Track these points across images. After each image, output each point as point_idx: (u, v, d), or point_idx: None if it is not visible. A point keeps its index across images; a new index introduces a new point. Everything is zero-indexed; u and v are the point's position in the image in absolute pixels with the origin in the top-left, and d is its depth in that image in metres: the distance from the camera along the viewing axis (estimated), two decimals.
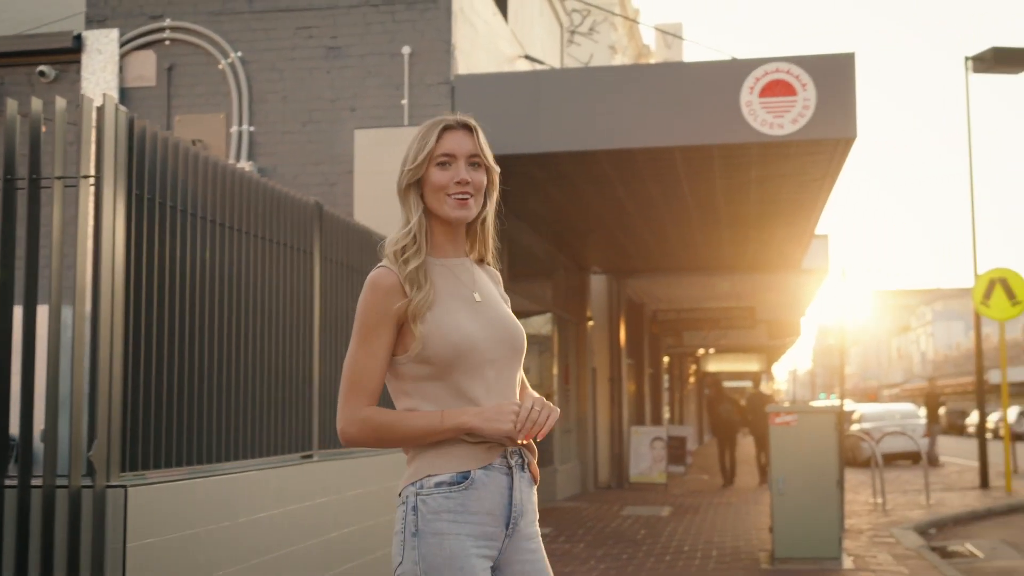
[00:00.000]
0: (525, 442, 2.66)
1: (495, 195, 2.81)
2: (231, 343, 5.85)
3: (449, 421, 2.59)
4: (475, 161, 2.71)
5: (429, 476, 2.61)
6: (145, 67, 10.55)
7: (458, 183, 2.67)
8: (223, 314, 5.76)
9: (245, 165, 9.97)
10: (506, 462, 2.65)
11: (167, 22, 10.49)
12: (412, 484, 2.62)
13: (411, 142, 2.73)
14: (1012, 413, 51.37)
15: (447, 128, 2.72)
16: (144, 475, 4.93)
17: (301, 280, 6.87)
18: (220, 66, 10.33)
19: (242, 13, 10.40)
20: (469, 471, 2.60)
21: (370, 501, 7.62)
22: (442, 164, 2.69)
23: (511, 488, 2.65)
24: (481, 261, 2.85)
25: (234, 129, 10.23)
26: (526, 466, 2.71)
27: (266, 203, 6.40)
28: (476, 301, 2.71)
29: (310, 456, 6.87)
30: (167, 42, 10.50)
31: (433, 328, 2.61)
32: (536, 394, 2.79)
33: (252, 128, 10.23)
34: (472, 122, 2.75)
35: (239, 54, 10.31)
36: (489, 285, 2.82)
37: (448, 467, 2.61)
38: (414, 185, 2.72)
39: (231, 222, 5.91)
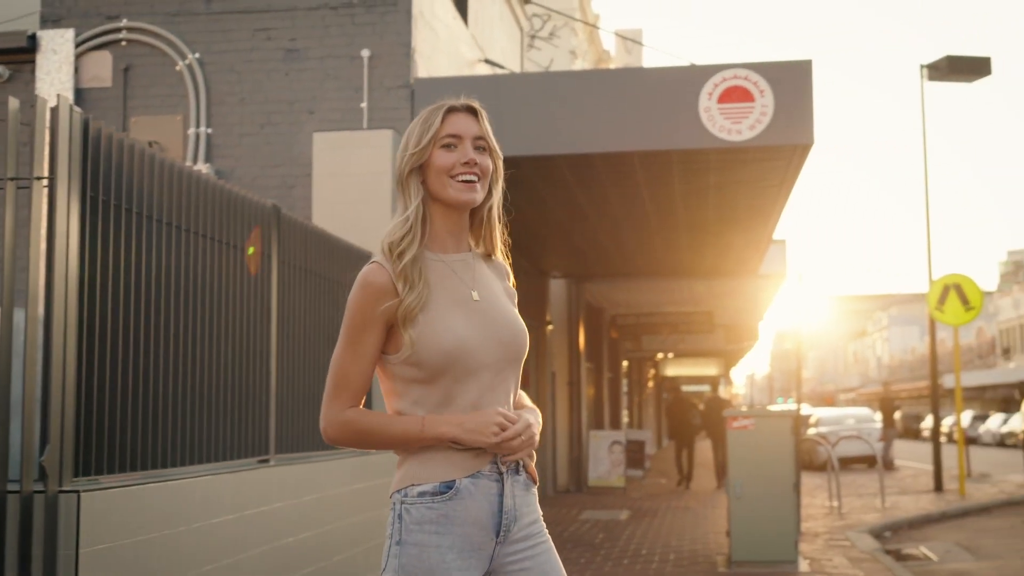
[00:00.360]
0: (511, 457, 2.55)
1: (500, 183, 2.69)
2: (186, 347, 5.79)
3: (430, 430, 2.50)
4: (481, 145, 2.61)
5: (413, 485, 2.53)
6: (101, 68, 10.44)
7: (465, 163, 2.55)
8: (179, 318, 5.71)
9: (202, 167, 9.89)
10: (496, 468, 2.54)
11: (123, 22, 10.39)
12: (398, 491, 2.56)
13: (411, 128, 2.62)
14: (966, 417, 51.98)
15: (452, 110, 2.62)
16: (97, 480, 4.87)
17: (258, 284, 6.83)
18: (177, 67, 10.25)
19: (200, 14, 10.33)
20: (454, 480, 2.50)
21: (328, 506, 7.57)
22: (447, 146, 2.57)
23: (501, 495, 2.54)
24: (490, 256, 2.72)
25: (191, 131, 10.15)
26: (522, 468, 2.61)
27: (223, 206, 6.35)
28: (474, 300, 2.58)
29: (267, 461, 6.82)
30: (123, 43, 10.40)
31: (424, 331, 2.49)
32: (529, 411, 2.67)
33: (209, 130, 10.15)
34: (477, 105, 2.66)
35: (197, 55, 10.23)
36: (492, 282, 2.68)
37: (431, 476, 2.51)
38: (416, 171, 2.59)
39: (187, 225, 5.86)
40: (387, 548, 2.54)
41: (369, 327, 2.54)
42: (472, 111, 2.64)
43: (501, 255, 2.74)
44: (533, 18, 20.66)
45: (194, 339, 5.88)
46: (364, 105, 9.96)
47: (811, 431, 27.52)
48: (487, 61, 13.47)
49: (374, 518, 8.59)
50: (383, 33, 10.07)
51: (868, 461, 26.91)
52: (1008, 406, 60.73)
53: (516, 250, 11.94)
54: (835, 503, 15.54)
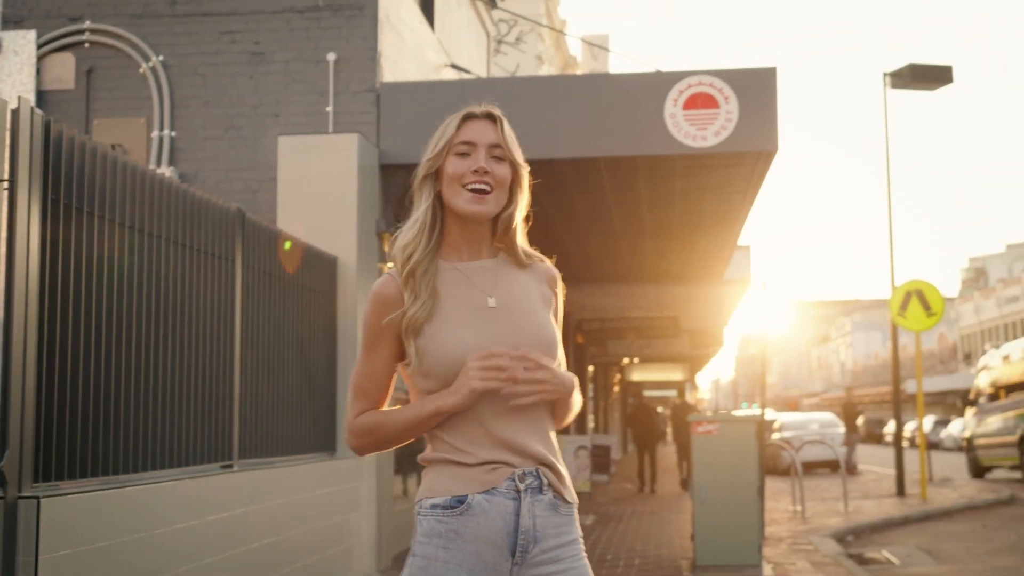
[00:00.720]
0: (517, 401, 2.41)
1: (523, 194, 2.59)
2: (149, 351, 5.75)
3: (428, 405, 2.45)
4: (498, 154, 2.52)
5: (427, 497, 2.48)
6: (63, 69, 10.34)
7: (475, 171, 2.48)
8: (141, 322, 5.67)
9: (166, 171, 9.82)
10: (514, 485, 2.44)
11: (87, 24, 10.30)
12: (418, 502, 2.52)
13: (433, 136, 2.57)
14: (928, 422, 52.46)
15: (469, 117, 2.56)
16: (57, 486, 4.83)
17: (222, 288, 6.79)
18: (141, 70, 10.17)
19: (164, 17, 10.26)
20: (466, 496, 2.43)
21: (292, 511, 7.54)
22: (461, 154, 2.51)
23: (518, 514, 2.43)
24: (523, 262, 2.61)
25: (155, 134, 10.08)
26: (546, 488, 2.48)
27: (187, 209, 6.31)
28: (489, 308, 2.50)
29: (230, 466, 6.78)
30: (86, 44, 10.31)
31: (430, 342, 2.45)
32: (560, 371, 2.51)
33: (173, 133, 10.08)
34: (497, 112, 2.57)
35: (160, 58, 10.16)
36: (520, 288, 2.57)
37: (444, 490, 2.45)
38: (430, 177, 2.54)
39: (150, 228, 5.82)
40: (408, 554, 2.52)
41: (381, 338, 2.52)
42: (492, 118, 2.56)
43: (542, 262, 2.67)
44: (500, 23, 20.68)
45: (157, 343, 5.84)
46: (330, 109, 9.92)
47: (775, 436, 27.70)
48: (453, 66, 13.46)
49: (338, 523, 8.56)
50: (349, 37, 10.04)
51: (831, 466, 27.08)
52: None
53: None
54: (799, 507, 15.63)
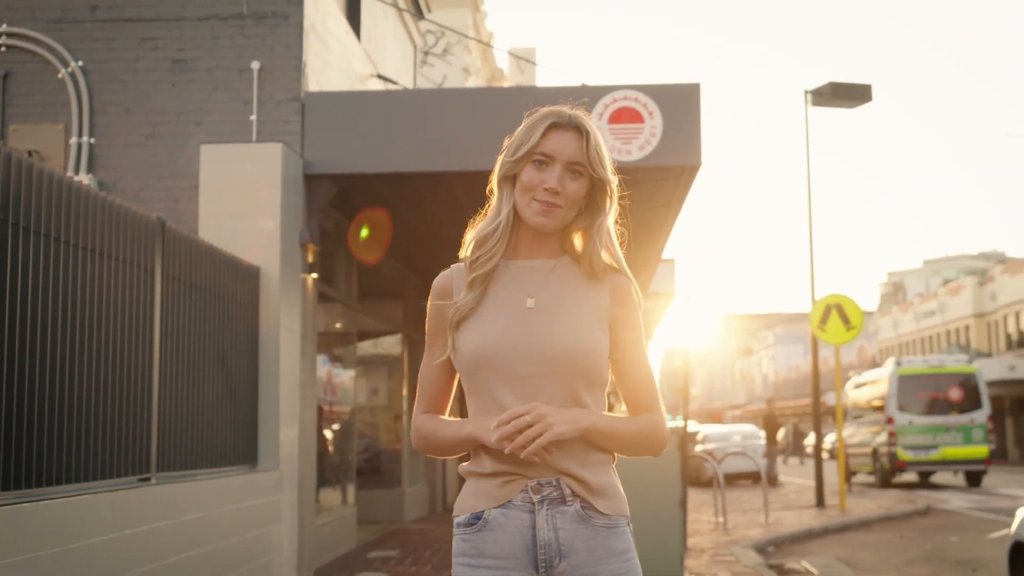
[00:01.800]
0: (526, 457, 2.34)
1: (609, 208, 2.55)
2: (64, 362, 5.63)
3: (464, 430, 2.44)
4: (576, 169, 2.47)
5: (456, 516, 2.47)
6: None
7: (547, 189, 2.44)
8: (56, 332, 5.55)
9: (84, 178, 9.64)
10: (529, 498, 2.39)
11: (3, 27, 10.07)
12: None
13: (517, 132, 2.51)
14: (847, 434, 53.28)
15: (555, 126, 2.48)
16: None
17: (141, 298, 6.68)
18: (59, 75, 9.98)
19: (83, 22, 10.07)
20: (483, 512, 2.40)
21: (211, 525, 7.43)
22: (539, 163, 2.46)
23: (534, 526, 2.38)
24: (592, 271, 2.54)
25: (73, 140, 9.88)
26: (571, 499, 2.40)
27: (105, 218, 6.20)
28: (527, 308, 2.46)
29: (147, 479, 6.67)
30: (3, 48, 10.08)
31: (461, 336, 2.46)
32: (589, 413, 2.43)
33: (92, 140, 9.90)
34: (586, 125, 2.48)
35: (80, 63, 9.98)
36: (568, 292, 2.50)
37: (465, 507, 2.45)
38: (510, 178, 2.51)
39: (67, 237, 5.71)
40: None
41: (438, 331, 2.54)
42: (578, 129, 2.48)
43: (625, 270, 2.59)
44: (427, 34, 20.67)
45: (72, 354, 5.72)
46: (253, 118, 9.82)
47: (698, 448, 27.94)
48: (380, 76, 13.41)
49: (261, 536, 8.45)
50: (274, 45, 9.95)
51: (753, 477, 27.41)
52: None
53: (408, 266, 11.80)
54: (721, 519, 15.77)
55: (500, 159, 2.54)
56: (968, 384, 25.69)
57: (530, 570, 2.38)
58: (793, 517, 16.73)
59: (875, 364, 70.24)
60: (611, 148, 9.75)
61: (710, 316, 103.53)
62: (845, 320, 18.32)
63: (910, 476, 26.98)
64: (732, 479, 27.09)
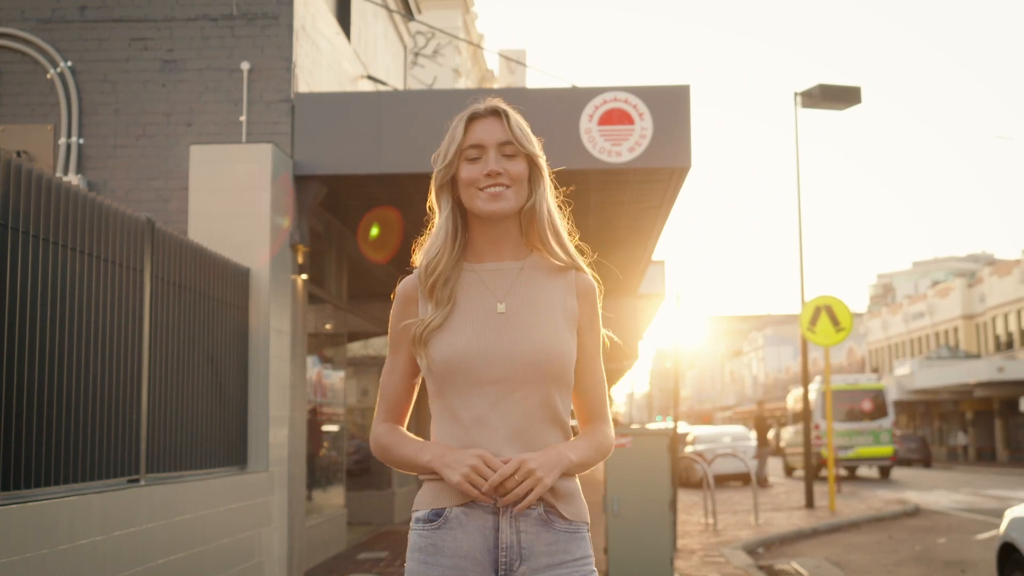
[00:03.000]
0: (517, 512, 2.35)
1: (544, 184, 2.51)
2: (53, 363, 5.62)
3: (423, 455, 2.41)
4: (509, 151, 2.45)
5: (415, 511, 2.45)
6: None
7: (488, 175, 2.42)
8: (45, 333, 5.53)
9: (73, 179, 9.62)
10: (493, 498, 2.36)
11: None
12: (412, 515, 2.49)
13: (443, 142, 2.50)
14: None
15: (474, 117, 2.47)
16: None
17: (130, 299, 6.66)
18: (49, 75, 9.95)
19: (73, 22, 10.05)
20: (444, 508, 2.38)
21: (201, 526, 7.41)
22: (472, 159, 2.45)
23: (497, 528, 2.36)
24: (558, 265, 2.52)
25: (62, 141, 9.86)
26: (538, 503, 2.38)
27: (94, 219, 6.18)
28: (497, 313, 2.43)
29: (137, 480, 6.65)
30: None
31: (431, 345, 2.42)
32: (563, 452, 2.41)
33: (82, 141, 9.88)
34: (502, 107, 2.48)
35: (69, 64, 9.95)
36: (539, 294, 2.48)
37: (424, 503, 2.42)
38: (447, 185, 2.49)
39: (56, 238, 5.69)
40: None
41: (402, 339, 2.51)
42: (497, 113, 2.48)
43: (586, 269, 2.58)
44: (417, 36, 20.67)
45: (61, 355, 5.71)
46: (243, 118, 9.80)
47: (688, 449, 27.98)
48: (370, 77, 13.41)
49: (249, 538, 8.44)
50: (264, 46, 9.93)
51: (743, 478, 27.45)
52: None
53: (398, 267, 11.79)
54: (711, 520, 15.79)
55: (433, 173, 2.52)
56: (877, 399, 32.18)
57: (488, 572, 2.36)
58: (783, 518, 16.76)
59: (864, 366, 70.41)
60: (601, 150, 9.76)
61: (700, 318, 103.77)
62: (835, 322, 18.36)
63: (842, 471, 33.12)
64: (722, 480, 27.14)
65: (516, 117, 2.49)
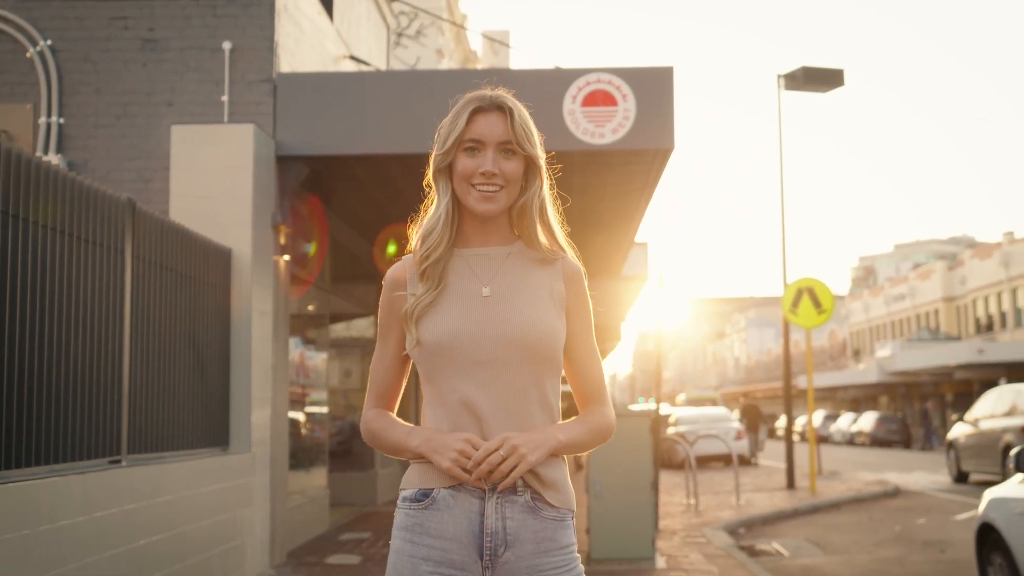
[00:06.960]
0: (502, 488, 2.36)
1: (539, 184, 2.53)
2: (34, 343, 5.59)
3: (411, 440, 2.41)
4: (508, 148, 2.46)
5: (402, 489, 2.45)
6: None
7: (483, 174, 2.43)
8: (25, 313, 5.51)
9: (53, 159, 9.55)
10: (483, 487, 2.37)
11: None
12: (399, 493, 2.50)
13: (443, 123, 2.48)
14: (817, 417, 53.69)
15: (478, 110, 2.46)
16: None
17: (111, 279, 6.63)
18: (28, 54, 9.87)
19: (53, 0, 9.97)
20: (431, 489, 2.38)
21: (183, 507, 7.41)
22: (470, 150, 2.45)
23: (483, 513, 2.37)
24: (543, 255, 2.53)
25: (42, 120, 9.79)
26: (522, 489, 2.39)
27: (75, 199, 6.15)
28: (483, 296, 2.45)
29: (118, 461, 6.64)
30: None
31: (420, 328, 2.43)
32: (550, 431, 2.41)
33: (62, 120, 9.81)
34: (508, 103, 2.47)
35: (49, 42, 9.88)
36: (522, 279, 2.50)
37: (413, 482, 2.43)
38: (444, 170, 2.49)
39: (36, 218, 5.66)
40: None
41: (391, 324, 2.52)
42: (502, 109, 2.47)
43: (572, 256, 2.58)
44: (400, 16, 20.58)
45: (42, 335, 5.68)
46: (225, 98, 9.75)
47: (670, 430, 28.07)
48: (352, 58, 13.34)
49: (231, 519, 8.43)
50: (246, 26, 9.87)
51: (725, 459, 27.57)
52: (857, 406, 62.99)
53: (381, 249, 11.71)
54: (692, 501, 15.86)
55: (433, 152, 2.52)
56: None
57: (473, 556, 2.37)
58: (764, 499, 16.85)
59: (846, 348, 70.74)
60: (584, 131, 9.75)
61: (682, 300, 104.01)
62: (816, 304, 18.43)
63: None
64: (704, 461, 27.25)
65: (521, 115, 2.49)
